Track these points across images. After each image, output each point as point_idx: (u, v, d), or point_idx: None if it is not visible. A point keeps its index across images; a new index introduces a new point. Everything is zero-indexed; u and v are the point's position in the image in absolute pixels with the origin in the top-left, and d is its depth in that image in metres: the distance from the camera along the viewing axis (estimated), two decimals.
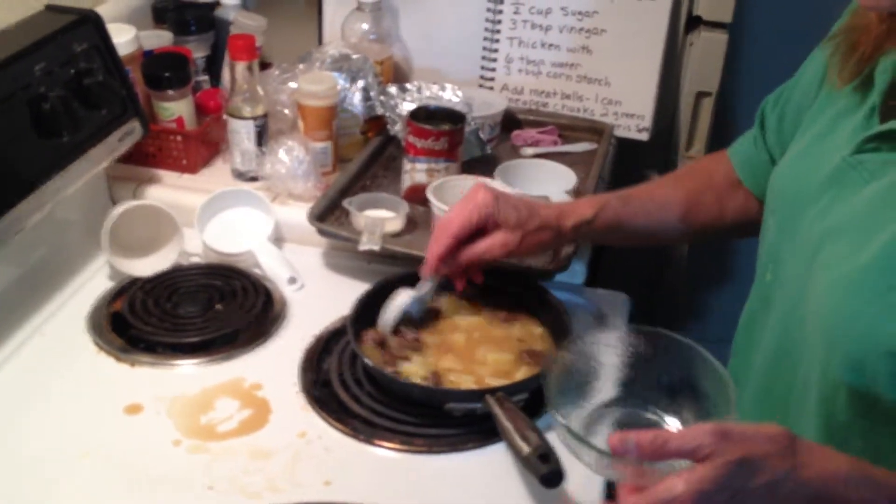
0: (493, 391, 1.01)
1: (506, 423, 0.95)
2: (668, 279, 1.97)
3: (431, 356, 1.11)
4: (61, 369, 1.13)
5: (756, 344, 1.00)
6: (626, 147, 1.68)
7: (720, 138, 1.77)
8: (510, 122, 1.62)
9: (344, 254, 1.35)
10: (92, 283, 1.28)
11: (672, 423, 0.93)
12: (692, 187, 1.16)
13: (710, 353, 0.91)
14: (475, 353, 1.12)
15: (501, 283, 1.20)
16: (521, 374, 1.08)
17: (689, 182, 1.17)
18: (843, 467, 0.76)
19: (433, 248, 1.09)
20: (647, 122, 1.63)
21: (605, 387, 0.98)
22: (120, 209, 1.26)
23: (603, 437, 0.94)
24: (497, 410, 0.98)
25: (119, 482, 0.97)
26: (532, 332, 1.16)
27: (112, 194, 1.42)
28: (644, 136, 1.64)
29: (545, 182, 1.40)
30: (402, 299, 1.14)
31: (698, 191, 1.15)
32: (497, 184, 1.33)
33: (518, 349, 1.12)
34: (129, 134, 1.32)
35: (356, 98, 1.48)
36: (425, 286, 1.13)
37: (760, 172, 1.10)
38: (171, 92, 1.42)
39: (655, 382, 0.95)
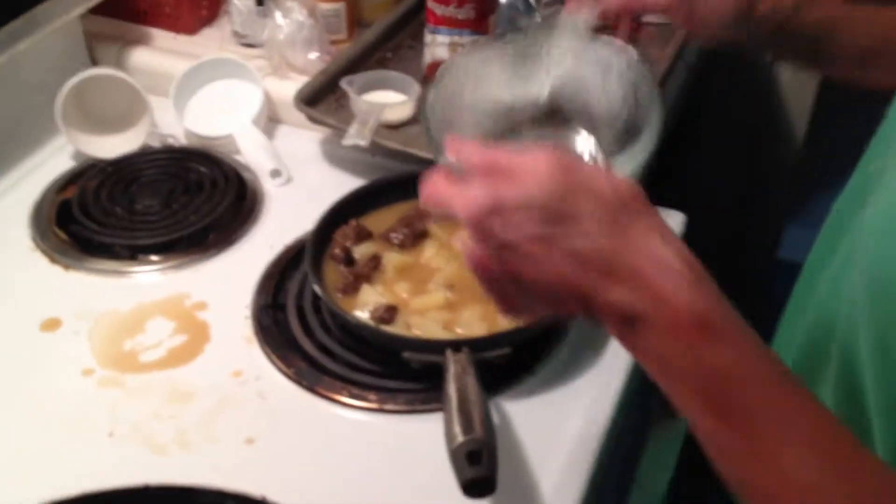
0: (457, 344, 0.80)
1: (451, 392, 0.74)
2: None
3: (400, 282, 0.90)
4: None
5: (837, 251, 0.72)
6: None
7: None
8: None
9: None
10: (52, 163, 1.11)
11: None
12: None
13: None
14: (459, 286, 0.90)
15: None
16: (507, 322, 0.86)
17: None
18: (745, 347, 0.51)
19: None
20: None
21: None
22: (77, 78, 1.07)
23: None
24: (449, 373, 0.76)
25: (6, 417, 0.82)
26: None
27: (92, 55, 1.23)
28: None
29: None
30: None
31: None
32: None
33: None
34: None
35: None
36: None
37: None
38: None
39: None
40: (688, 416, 0.52)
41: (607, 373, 0.86)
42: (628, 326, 0.52)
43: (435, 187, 0.58)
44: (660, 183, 1.17)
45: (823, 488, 0.48)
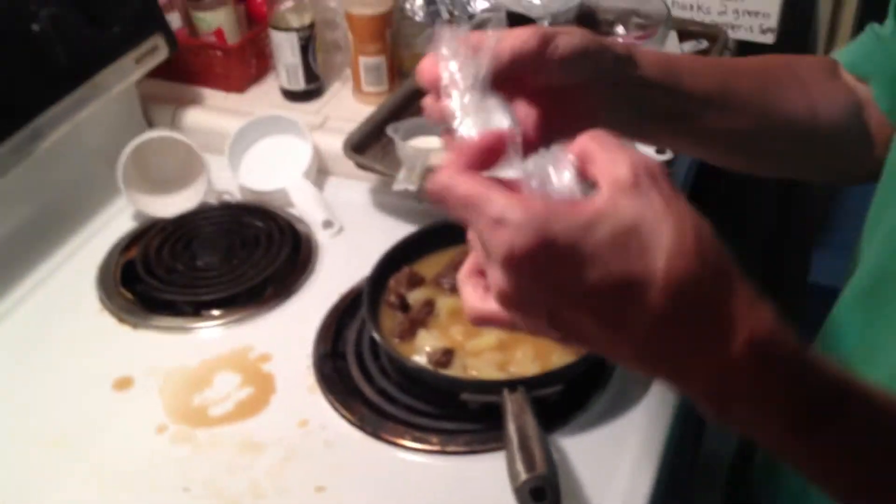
0: (513, 383, 0.83)
1: (511, 431, 0.77)
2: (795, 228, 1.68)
3: (454, 325, 0.93)
4: (58, 330, 1.02)
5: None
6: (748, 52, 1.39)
7: None
8: (590, 23, 1.33)
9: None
10: (115, 224, 1.16)
11: None
12: (769, 70, 0.77)
13: None
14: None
15: None
16: (559, 360, 0.89)
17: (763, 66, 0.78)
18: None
19: None
20: (773, 20, 1.33)
21: None
22: (136, 141, 1.12)
23: None
24: (508, 412, 0.79)
25: (86, 476, 0.86)
26: None
27: (147, 117, 1.28)
28: (769, 39, 1.34)
29: None
30: None
31: (778, 78, 0.76)
32: None
33: None
34: (150, 53, 1.17)
35: (417, 2, 1.27)
36: None
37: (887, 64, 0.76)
38: (207, 0, 1.25)
39: None
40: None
41: (657, 403, 0.88)
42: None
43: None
44: None
45: None
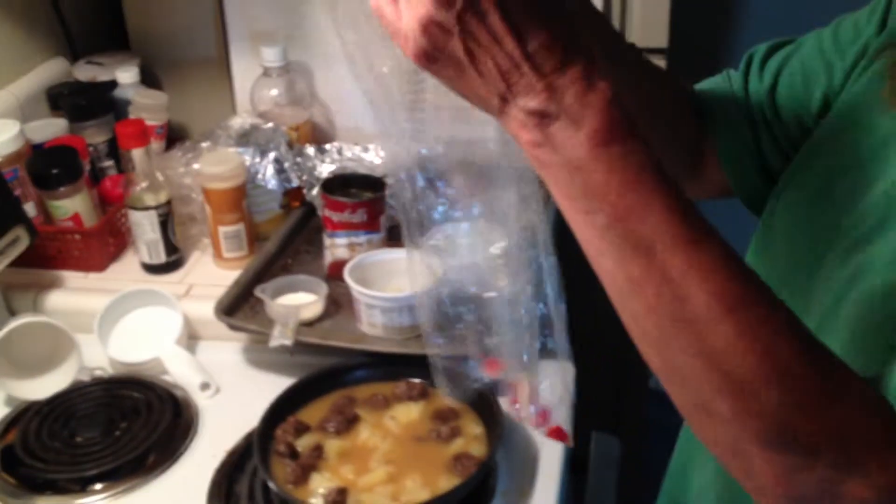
0: None
1: None
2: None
3: (344, 465, 0.98)
4: None
5: None
6: None
7: None
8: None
9: (264, 347, 1.22)
10: None
11: None
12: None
13: None
14: (397, 460, 0.99)
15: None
16: (446, 483, 0.95)
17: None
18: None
19: None
20: None
21: None
22: (5, 329, 1.14)
23: None
24: None
25: None
26: (470, 433, 1.03)
27: (9, 305, 1.29)
28: None
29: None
30: None
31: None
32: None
33: (449, 453, 1.00)
34: (12, 244, 1.19)
35: (268, 172, 1.36)
36: None
37: (725, 101, 0.90)
38: (62, 189, 1.30)
39: None
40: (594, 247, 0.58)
41: None
42: (543, 127, 0.56)
43: None
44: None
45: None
